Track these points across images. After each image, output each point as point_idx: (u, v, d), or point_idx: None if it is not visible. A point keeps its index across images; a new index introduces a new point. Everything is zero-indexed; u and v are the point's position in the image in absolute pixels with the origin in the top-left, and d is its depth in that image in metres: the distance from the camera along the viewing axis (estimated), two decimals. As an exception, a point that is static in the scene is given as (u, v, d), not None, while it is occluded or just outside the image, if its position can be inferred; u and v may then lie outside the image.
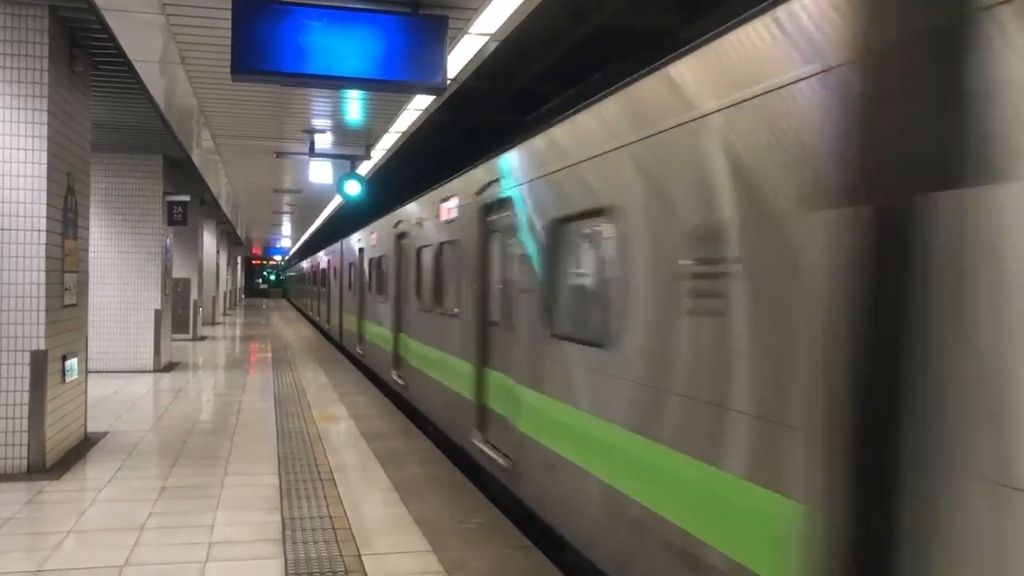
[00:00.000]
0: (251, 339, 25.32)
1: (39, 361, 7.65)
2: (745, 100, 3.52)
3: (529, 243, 6.42)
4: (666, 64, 4.28)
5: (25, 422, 7.60)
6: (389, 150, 13.27)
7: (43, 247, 7.61)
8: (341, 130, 12.04)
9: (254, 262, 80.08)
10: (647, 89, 4.51)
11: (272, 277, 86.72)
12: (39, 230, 7.60)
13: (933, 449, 2.53)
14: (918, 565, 2.54)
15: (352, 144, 12.84)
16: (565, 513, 5.54)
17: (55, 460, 8.01)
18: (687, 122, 4.01)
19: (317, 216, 29.01)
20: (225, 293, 38.26)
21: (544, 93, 15.61)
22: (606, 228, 4.98)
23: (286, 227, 37.59)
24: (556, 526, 5.74)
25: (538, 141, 6.33)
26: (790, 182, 3.19)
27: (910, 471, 2.59)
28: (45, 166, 7.60)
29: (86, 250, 9.01)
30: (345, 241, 20.92)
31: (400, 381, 12.16)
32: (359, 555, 5.54)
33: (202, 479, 7.54)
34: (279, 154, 13.86)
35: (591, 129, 5.27)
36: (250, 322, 34.90)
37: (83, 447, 8.76)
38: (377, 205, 19.20)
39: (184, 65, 8.56)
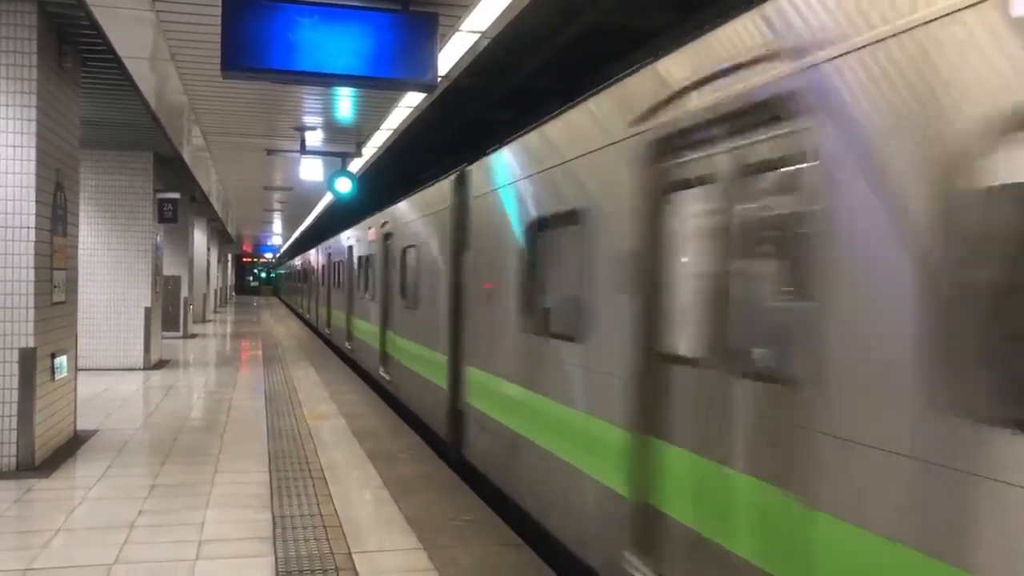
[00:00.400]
0: (242, 337, 25.26)
1: (28, 359, 7.62)
2: (433, 212, 9.75)
3: (398, 257, 12.22)
4: (419, 188, 11.05)
5: (14, 420, 7.57)
6: (380, 147, 13.25)
7: (32, 244, 7.57)
8: (332, 127, 12.02)
9: (245, 260, 79.82)
10: (416, 199, 11.10)
11: (263, 275, 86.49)
12: (28, 227, 7.56)
13: (470, 329, 8.10)
14: (467, 366, 8.13)
15: (343, 141, 12.82)
16: (402, 391, 11.69)
17: (44, 458, 7.98)
18: (423, 216, 10.35)
19: (308, 214, 28.96)
20: (216, 291, 38.16)
21: (538, 90, 15.63)
22: (417, 253, 10.75)
23: (277, 225, 37.52)
24: (401, 399, 11.79)
25: (401, 204, 12.32)
26: (443, 244, 9.11)
27: (465, 338, 8.26)
28: (34, 163, 7.56)
29: (75, 247, 8.97)
30: (318, 248, 27.57)
31: (349, 347, 18.03)
32: (350, 553, 5.53)
33: (192, 477, 7.52)
34: (270, 151, 13.83)
35: (413, 204, 11.32)
36: (241, 320, 34.82)
37: (73, 445, 8.73)
38: (369, 203, 19.30)
39: (174, 62, 8.53)
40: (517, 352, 6.57)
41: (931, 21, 2.57)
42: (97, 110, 11.41)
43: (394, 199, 12.89)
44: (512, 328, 6.68)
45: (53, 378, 8.19)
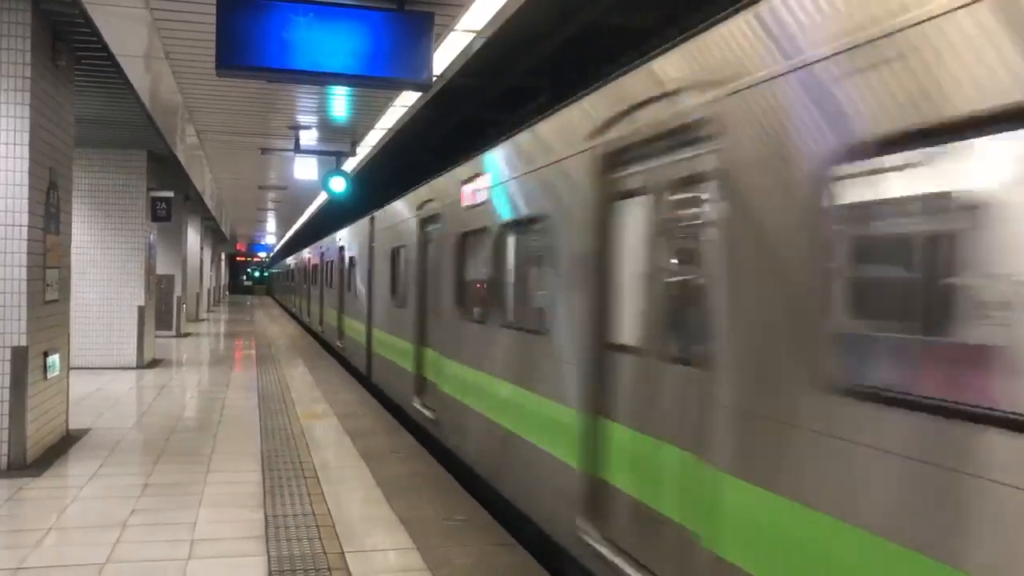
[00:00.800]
0: (235, 336, 25.22)
1: (20, 357, 7.59)
2: (361, 237, 15.58)
3: (347, 263, 17.60)
4: (356, 220, 17.26)
5: (6, 419, 7.54)
6: (375, 147, 13.24)
7: (25, 242, 7.54)
8: (327, 126, 12.00)
9: (238, 259, 79.66)
10: (354, 226, 17.05)
11: (256, 274, 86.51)
12: (21, 225, 7.53)
13: (375, 306, 13.70)
14: (374, 328, 13.80)
15: (338, 140, 12.80)
16: (348, 352, 17.11)
17: (36, 457, 7.95)
18: (357, 238, 16.21)
19: (302, 213, 28.92)
20: (209, 290, 38.07)
21: (532, 90, 15.58)
22: (355, 260, 16.39)
23: (271, 224, 37.45)
24: (346, 358, 17.29)
25: (348, 228, 17.96)
26: (365, 256, 14.87)
27: (374, 312, 13.96)
28: (27, 160, 7.54)
29: (69, 246, 8.94)
30: (301, 252, 34.71)
31: (321, 329, 23.58)
32: (342, 552, 5.52)
33: (185, 476, 7.50)
34: (264, 150, 13.81)
35: (353, 229, 17.10)
36: (234, 319, 34.76)
37: (65, 444, 8.70)
38: (362, 202, 19.54)
39: (168, 60, 8.51)
40: (387, 316, 12.38)
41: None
42: (91, 108, 11.38)
43: (360, 215, 17.45)
44: (386, 304, 12.48)
45: (45, 377, 8.16)
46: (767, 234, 3.32)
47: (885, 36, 2.73)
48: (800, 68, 3.13)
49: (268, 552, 5.50)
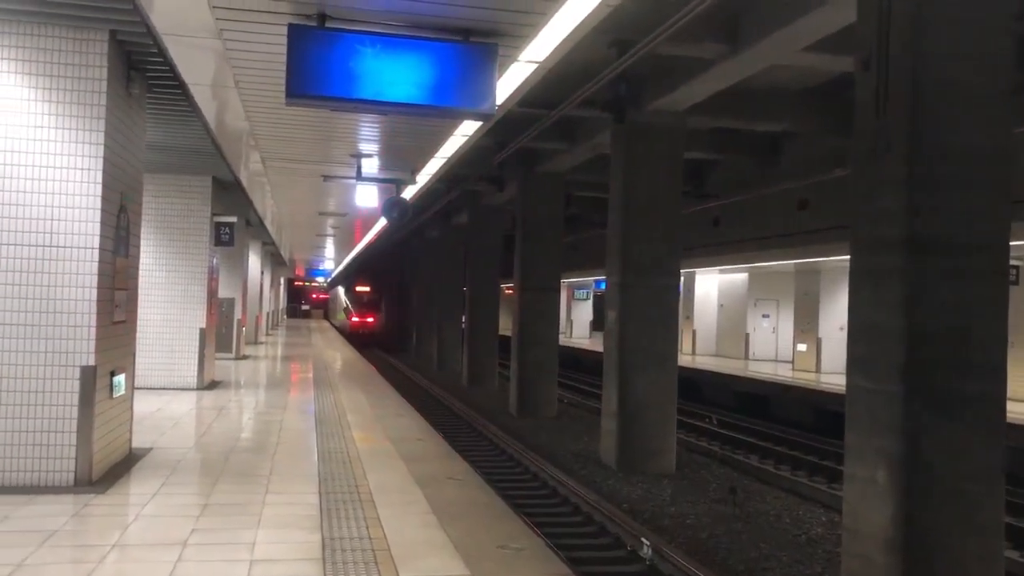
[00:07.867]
0: (292, 359, 25.55)
1: (88, 377, 7.78)
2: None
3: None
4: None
5: (73, 436, 7.71)
6: (434, 175, 13.38)
7: (95, 264, 7.76)
8: (388, 155, 12.17)
9: (297, 283, 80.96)
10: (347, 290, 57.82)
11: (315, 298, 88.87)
12: (92, 248, 7.75)
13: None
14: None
15: (398, 168, 12.96)
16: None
17: (101, 474, 8.12)
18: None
19: (361, 239, 29.30)
20: (268, 314, 38.68)
21: (587, 120, 15.59)
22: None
23: (329, 250, 37.99)
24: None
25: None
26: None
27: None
28: (100, 185, 7.76)
29: (136, 268, 9.17)
30: (335, 289, 56.26)
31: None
32: (398, 577, 5.54)
33: (243, 497, 7.60)
34: (326, 177, 14.03)
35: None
36: (291, 343, 35.23)
37: (128, 462, 8.88)
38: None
39: (237, 88, 8.72)
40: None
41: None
42: (160, 135, 11.69)
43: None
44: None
45: (111, 396, 8.35)
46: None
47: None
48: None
49: (325, 574, 5.54)
